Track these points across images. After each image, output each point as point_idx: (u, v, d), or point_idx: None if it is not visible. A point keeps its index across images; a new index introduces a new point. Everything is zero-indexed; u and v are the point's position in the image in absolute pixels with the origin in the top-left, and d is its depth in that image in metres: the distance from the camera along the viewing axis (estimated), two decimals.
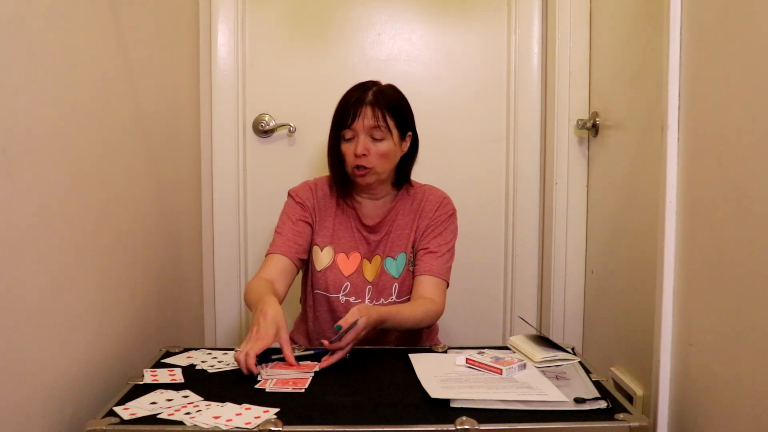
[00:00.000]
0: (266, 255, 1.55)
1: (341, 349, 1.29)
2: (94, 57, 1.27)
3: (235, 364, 1.27)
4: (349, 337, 1.28)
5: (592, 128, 1.90)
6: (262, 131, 2.07)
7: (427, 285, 1.53)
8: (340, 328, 1.28)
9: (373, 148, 1.50)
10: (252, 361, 1.21)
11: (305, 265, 1.61)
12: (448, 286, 1.59)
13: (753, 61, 1.05)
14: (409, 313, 1.46)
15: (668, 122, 1.29)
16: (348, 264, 1.59)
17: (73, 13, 1.19)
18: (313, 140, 2.05)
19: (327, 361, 1.28)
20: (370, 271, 1.59)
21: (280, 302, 1.47)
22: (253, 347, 1.23)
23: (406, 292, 1.58)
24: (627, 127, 1.68)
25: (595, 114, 1.88)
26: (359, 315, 1.29)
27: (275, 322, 1.28)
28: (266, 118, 2.07)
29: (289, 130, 2.06)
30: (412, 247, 1.60)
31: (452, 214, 1.62)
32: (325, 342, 1.30)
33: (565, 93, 1.95)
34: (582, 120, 1.93)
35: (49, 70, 1.10)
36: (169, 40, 1.78)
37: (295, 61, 2.07)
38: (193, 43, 1.99)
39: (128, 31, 1.43)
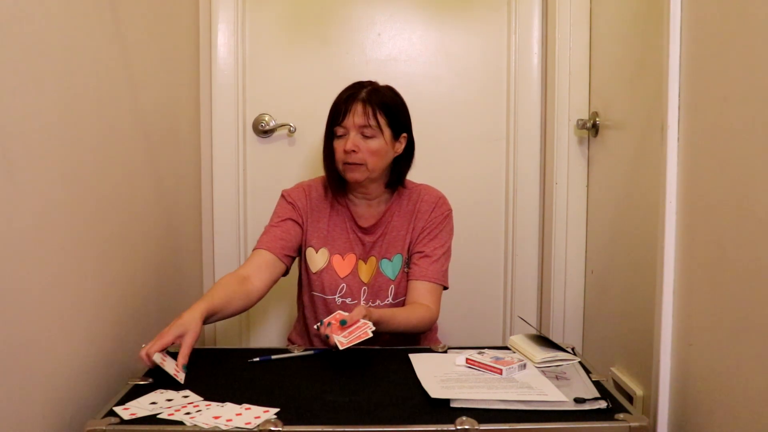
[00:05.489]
0: (252, 250, 1.56)
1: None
2: (94, 57, 1.27)
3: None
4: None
5: (592, 128, 1.90)
6: (262, 131, 2.07)
7: (422, 291, 1.53)
8: (345, 323, 1.28)
9: (363, 145, 1.49)
10: (146, 357, 1.21)
11: (292, 262, 1.59)
12: (446, 288, 1.58)
13: (753, 61, 1.05)
14: (404, 318, 1.46)
15: (668, 122, 1.29)
16: (343, 265, 1.58)
17: (73, 13, 1.19)
18: (313, 140, 2.05)
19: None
20: (365, 272, 1.59)
21: (260, 297, 1.49)
22: (151, 345, 1.22)
23: (402, 294, 1.58)
24: (627, 127, 1.68)
25: (595, 114, 1.88)
26: (365, 314, 1.30)
27: (182, 326, 1.26)
28: (266, 118, 2.07)
29: (289, 130, 2.06)
30: (408, 249, 1.59)
31: (448, 215, 1.60)
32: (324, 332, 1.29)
33: (565, 93, 1.95)
34: (582, 120, 1.92)
35: (49, 70, 1.10)
36: (169, 40, 1.78)
37: (295, 61, 2.07)
38: (193, 43, 1.99)
39: (128, 31, 1.43)
